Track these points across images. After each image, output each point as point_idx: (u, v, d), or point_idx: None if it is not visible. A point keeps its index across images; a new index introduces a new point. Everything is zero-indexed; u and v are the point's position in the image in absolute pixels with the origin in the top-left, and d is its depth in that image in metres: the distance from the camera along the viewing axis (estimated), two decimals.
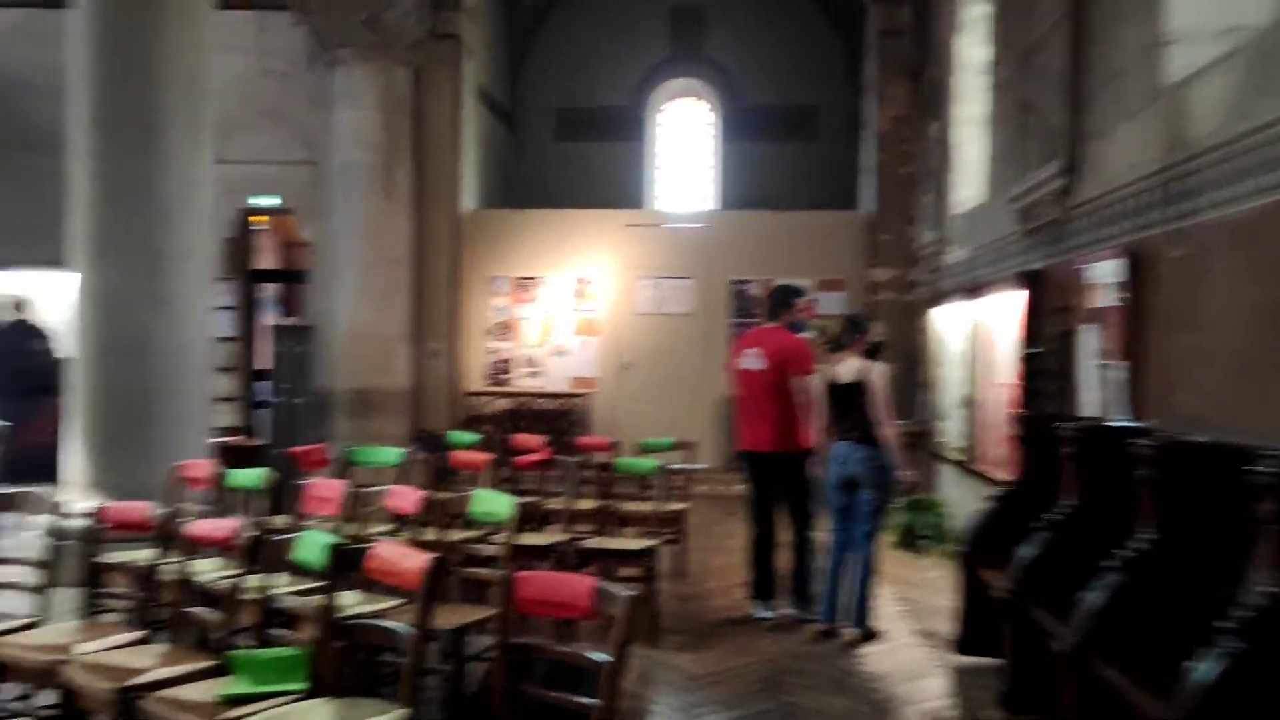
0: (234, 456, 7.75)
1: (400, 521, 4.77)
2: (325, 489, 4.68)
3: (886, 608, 6.19)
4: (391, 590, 3.41)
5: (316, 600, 3.12)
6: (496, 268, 12.25)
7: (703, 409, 11.85)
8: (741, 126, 15.58)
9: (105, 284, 6.69)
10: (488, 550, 4.25)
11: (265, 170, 11.54)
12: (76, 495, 6.75)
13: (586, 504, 6.33)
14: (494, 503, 4.22)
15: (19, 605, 4.00)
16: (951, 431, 8.79)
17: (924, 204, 10.69)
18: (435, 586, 2.87)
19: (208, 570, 4.19)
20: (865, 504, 5.64)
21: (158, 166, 6.72)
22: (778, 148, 15.30)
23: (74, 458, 6.83)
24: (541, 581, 2.81)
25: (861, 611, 5.63)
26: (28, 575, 4.05)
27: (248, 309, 12.05)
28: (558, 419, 11.95)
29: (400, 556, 2.97)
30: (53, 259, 11.81)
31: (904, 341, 10.87)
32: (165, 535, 3.85)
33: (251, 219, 12.32)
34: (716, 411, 11.90)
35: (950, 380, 8.90)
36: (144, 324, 6.69)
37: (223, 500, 5.27)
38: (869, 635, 5.62)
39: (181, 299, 6.82)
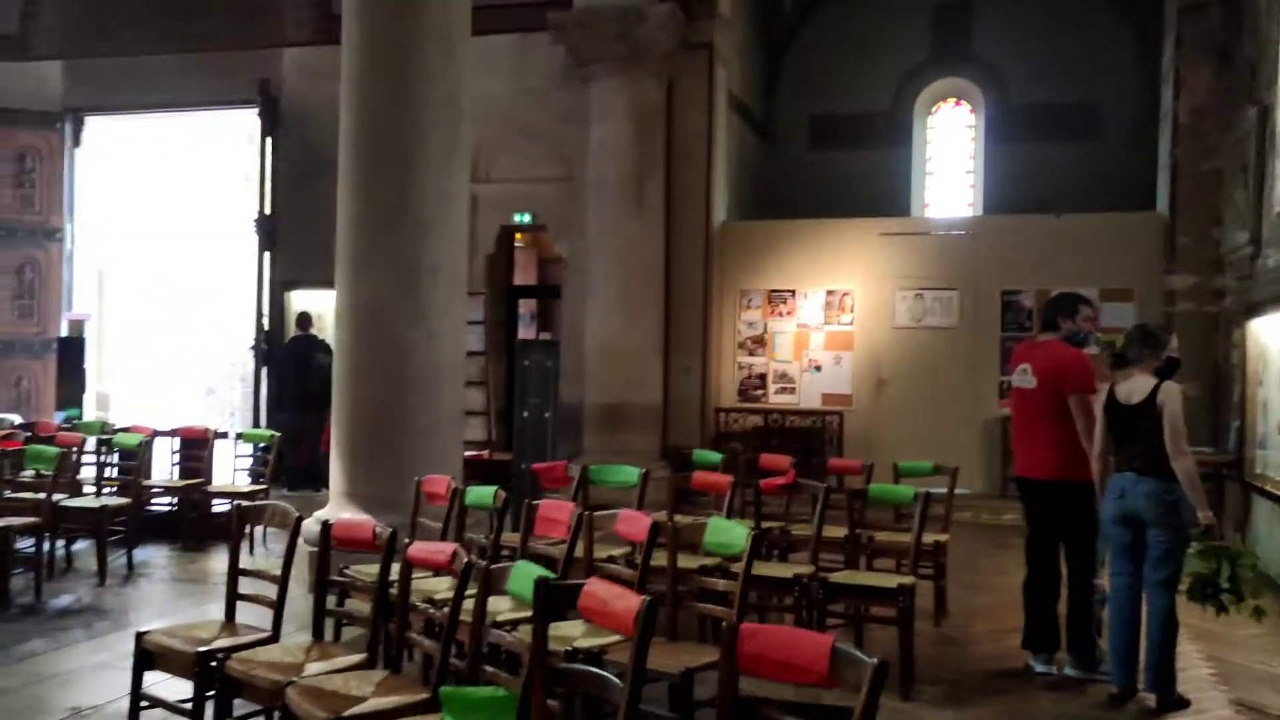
0: (482, 471, 7.81)
1: (632, 547, 4.50)
2: (556, 510, 4.48)
3: (1192, 670, 5.31)
4: None
5: (529, 636, 2.86)
6: (749, 281, 11.92)
7: (968, 430, 11.01)
8: (1010, 127, 14.48)
9: (363, 299, 6.87)
10: (721, 584, 3.89)
11: (524, 188, 11.77)
12: (337, 506, 6.97)
13: (835, 532, 5.85)
14: (730, 533, 3.86)
15: (265, 618, 4.00)
16: (1275, 462, 7.61)
17: (1234, 202, 9.42)
18: (649, 633, 2.53)
19: (433, 591, 4.07)
20: (1156, 546, 4.82)
21: (414, 184, 6.83)
22: (1051, 148, 14.06)
23: (334, 469, 7.05)
24: (771, 637, 2.40)
25: (1162, 674, 4.81)
26: (273, 588, 4.04)
27: (508, 323, 12.35)
28: (810, 438, 11.45)
29: (614, 597, 2.66)
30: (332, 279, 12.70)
31: (1206, 358, 9.63)
32: (388, 554, 3.73)
33: (517, 235, 12.63)
34: (985, 433, 11.02)
35: (1275, 403, 7.70)
36: (399, 338, 6.81)
37: (461, 516, 5.19)
38: (1174, 703, 4.78)
39: (436, 313, 6.90)
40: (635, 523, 4.09)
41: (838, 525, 5.91)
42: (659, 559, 4.07)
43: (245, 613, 4.15)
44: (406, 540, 3.71)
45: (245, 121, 17.62)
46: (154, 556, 7.81)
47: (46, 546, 7.00)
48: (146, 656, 3.83)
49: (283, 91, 12.47)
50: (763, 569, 5.00)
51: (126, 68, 12.87)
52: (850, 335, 11.60)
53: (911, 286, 11.40)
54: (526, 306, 14.07)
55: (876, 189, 14.43)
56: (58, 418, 10.49)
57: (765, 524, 5.96)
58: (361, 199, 6.89)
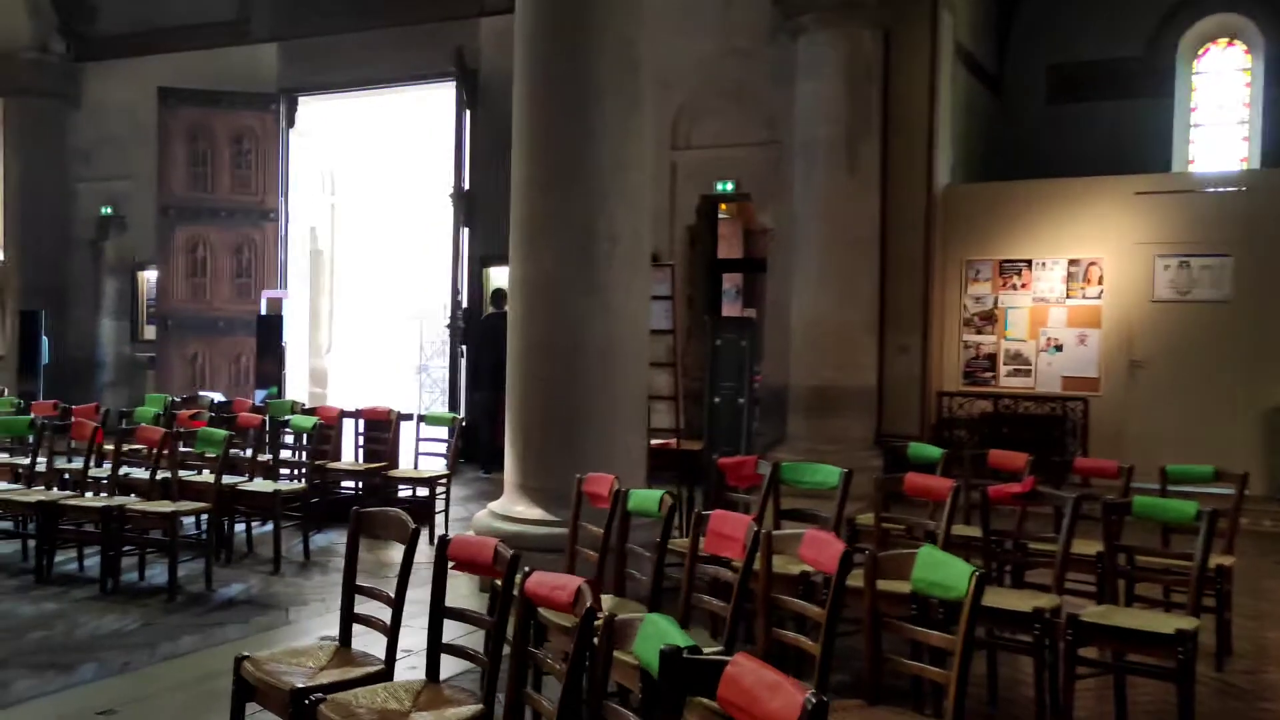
0: (668, 461, 7.08)
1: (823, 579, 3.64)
2: (730, 524, 3.66)
3: None
4: None
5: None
6: (976, 250, 10.64)
7: (1243, 421, 9.40)
8: None
9: (535, 271, 6.27)
10: (935, 638, 2.97)
11: (726, 154, 10.96)
12: (510, 499, 6.42)
13: (1084, 548, 4.77)
14: (946, 570, 2.93)
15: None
16: None
17: None
18: None
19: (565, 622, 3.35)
20: None
21: (588, 145, 6.16)
22: None
23: (508, 456, 6.50)
24: None
25: None
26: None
27: (710, 299, 11.59)
28: (1048, 427, 10.10)
29: (765, 690, 1.83)
30: None
31: None
32: (507, 586, 3.03)
33: (721, 205, 11.85)
34: (1266, 425, 9.37)
35: None
36: (572, 313, 6.18)
37: (624, 522, 4.46)
38: None
39: (612, 287, 6.21)
40: (823, 548, 3.22)
41: (1088, 541, 4.82)
42: (855, 579, 3.19)
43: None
44: (526, 569, 2.98)
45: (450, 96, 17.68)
46: (333, 543, 7.54)
47: (223, 531, 6.83)
48: (246, 686, 3.30)
49: (480, 62, 12.15)
50: (992, 597, 4.01)
51: (335, 46, 12.93)
52: (1097, 310, 10.14)
53: (1174, 253, 9.82)
54: (731, 281, 13.27)
55: (1127, 144, 12.65)
56: (258, 396, 10.56)
57: (994, 537, 4.92)
58: (534, 163, 6.27)
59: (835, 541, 3.21)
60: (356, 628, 3.54)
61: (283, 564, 6.72)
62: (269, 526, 7.15)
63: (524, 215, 6.32)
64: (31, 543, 6.48)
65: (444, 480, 7.89)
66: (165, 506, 5.97)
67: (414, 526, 3.43)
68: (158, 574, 6.27)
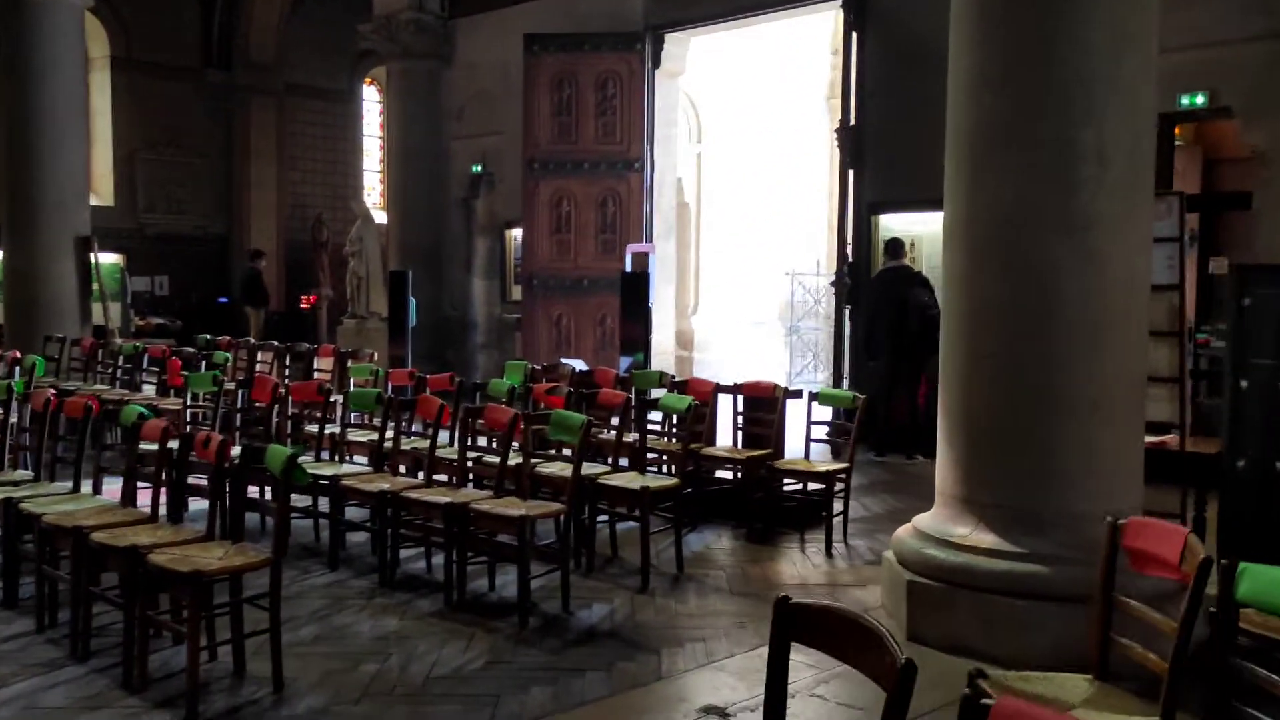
0: (1164, 468, 5.08)
1: None
2: None
3: None
4: None
5: None
6: None
7: None
8: None
9: (985, 205, 4.50)
10: None
11: (1197, 56, 8.43)
12: (944, 515, 4.73)
13: None
14: None
15: None
16: None
17: None
18: None
19: None
20: None
21: (1068, 13, 4.29)
22: None
23: (941, 457, 4.81)
24: None
25: None
26: None
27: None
28: None
29: None
30: (940, 198, 10.38)
31: None
32: None
33: (1175, 130, 9.33)
34: None
35: None
36: (1046, 265, 4.37)
37: (1192, 608, 2.65)
38: None
39: (1103, 227, 4.34)
40: None
41: None
42: None
43: None
44: None
45: (826, 29, 15.93)
46: (711, 548, 6.21)
47: (581, 530, 5.67)
48: None
49: None
50: None
51: None
52: None
53: None
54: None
55: None
56: (622, 364, 9.50)
57: None
58: (984, 47, 4.48)
59: None
60: None
61: (651, 577, 5.45)
62: (633, 523, 5.94)
63: (968, 126, 4.56)
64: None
65: (843, 475, 6.32)
66: (514, 508, 4.85)
67: (903, 660, 1.83)
68: (509, 582, 5.21)
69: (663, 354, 11.98)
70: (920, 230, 10.04)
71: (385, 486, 5.38)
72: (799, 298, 15.75)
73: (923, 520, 4.79)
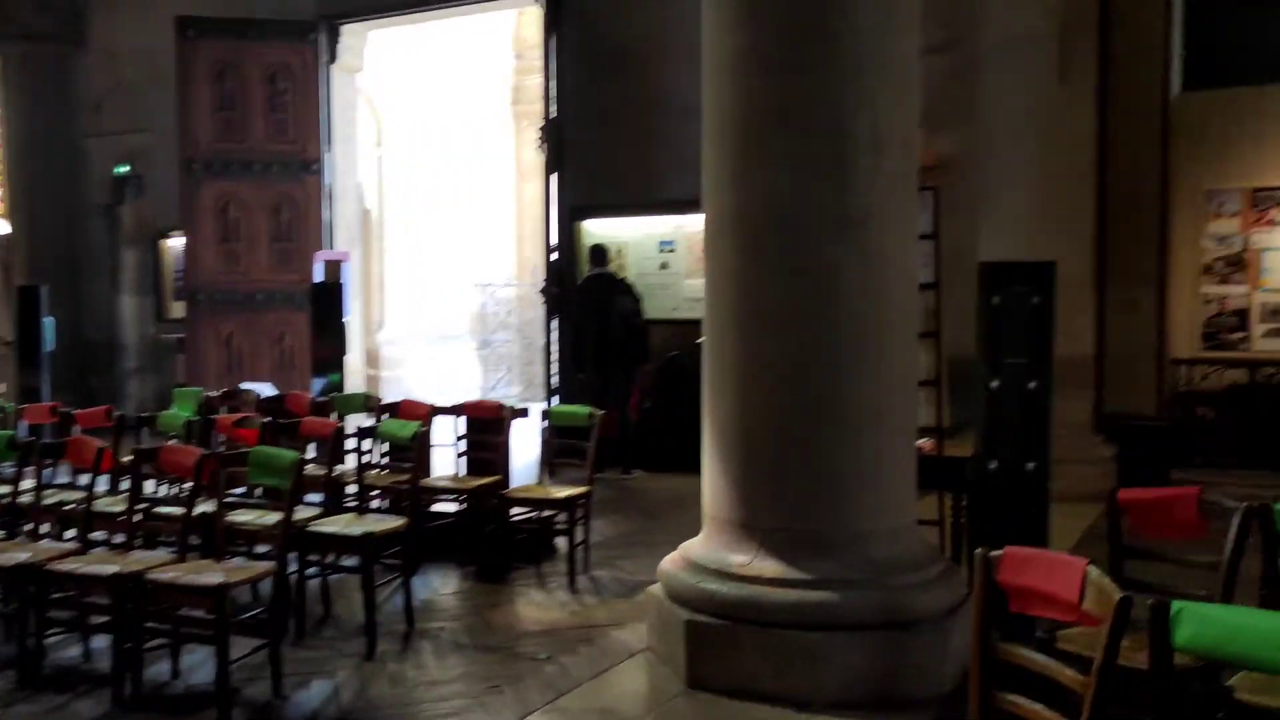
0: (926, 473, 4.91)
1: None
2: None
3: None
4: None
5: None
6: (1217, 177, 8.34)
7: None
8: None
9: (753, 200, 4.09)
10: None
11: None
12: (717, 541, 4.28)
13: None
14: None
15: None
16: None
17: None
18: None
19: None
20: None
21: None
22: None
23: (707, 477, 4.36)
24: None
25: None
26: None
27: None
28: None
29: None
30: (646, 202, 10.07)
31: None
32: None
33: None
34: None
35: None
36: (818, 261, 4.04)
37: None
38: None
39: (878, 223, 4.05)
40: None
41: None
42: None
43: None
44: None
45: (509, 30, 15.46)
46: (440, 594, 5.43)
47: (289, 591, 4.72)
48: None
49: None
50: None
51: None
52: None
53: None
54: None
55: None
56: (315, 386, 8.45)
57: None
58: (753, 25, 4.08)
59: None
60: None
61: (379, 638, 4.60)
62: (349, 570, 5.07)
63: (735, 113, 4.14)
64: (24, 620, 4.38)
65: (583, 500, 5.75)
66: (210, 573, 3.86)
67: None
68: (198, 665, 4.20)
69: (352, 374, 10.92)
70: (625, 236, 9.73)
71: (24, 556, 4.18)
72: (490, 309, 15.13)
73: (694, 549, 4.30)
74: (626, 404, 9.05)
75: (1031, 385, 4.84)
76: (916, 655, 3.92)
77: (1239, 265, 8.27)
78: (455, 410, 6.20)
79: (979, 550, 2.46)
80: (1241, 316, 8.26)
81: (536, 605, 5.29)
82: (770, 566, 4.00)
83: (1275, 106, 8.16)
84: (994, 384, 4.88)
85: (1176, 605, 2.00)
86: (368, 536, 4.55)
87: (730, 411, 4.17)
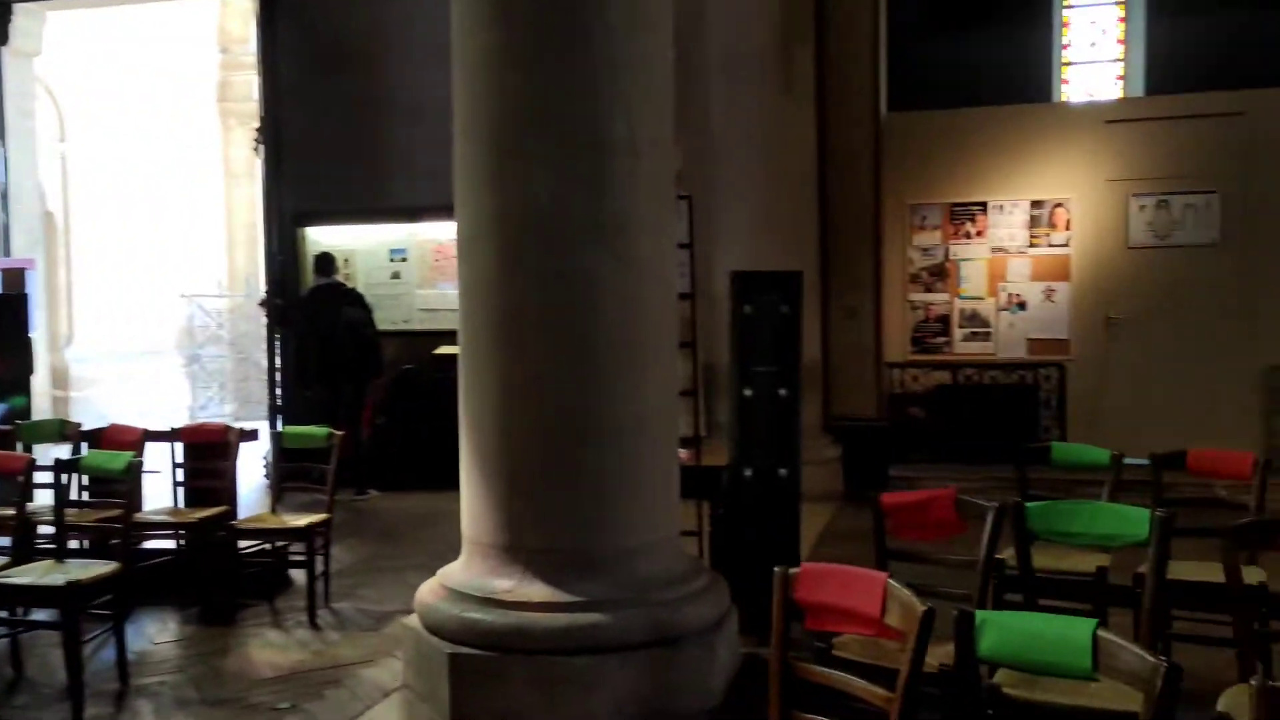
0: (687, 483, 4.89)
1: None
2: None
3: None
4: None
5: None
6: (920, 191, 8.98)
7: (1236, 385, 8.24)
8: None
9: (516, 205, 3.89)
10: None
11: None
12: (478, 568, 4.04)
13: None
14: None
15: None
16: None
17: None
18: None
19: None
20: None
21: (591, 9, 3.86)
22: None
23: (466, 499, 4.12)
24: None
25: None
26: None
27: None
28: (1019, 401, 8.62)
29: None
30: (375, 209, 9.54)
31: None
32: None
33: None
34: (1264, 384, 8.25)
35: None
36: (576, 270, 3.87)
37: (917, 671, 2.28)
38: None
39: (638, 227, 3.96)
40: None
41: None
42: None
43: None
44: None
45: (212, 15, 14.42)
46: (157, 643, 4.84)
47: None
48: None
49: None
50: None
51: None
52: (1065, 260, 8.71)
53: (1151, 191, 8.52)
54: None
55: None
56: None
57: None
58: (507, 25, 3.88)
59: None
60: None
61: (85, 701, 4.01)
62: (43, 626, 4.42)
63: (490, 112, 3.91)
64: None
65: (323, 528, 5.31)
66: None
67: None
68: None
69: (37, 395, 9.72)
70: (353, 244, 9.24)
71: None
72: (199, 322, 13.99)
73: (454, 576, 4.03)
74: (359, 421, 8.57)
75: (782, 392, 4.97)
76: (685, 671, 3.84)
77: (940, 275, 8.94)
78: (172, 435, 5.58)
79: (777, 569, 2.40)
80: (944, 322, 8.93)
81: (273, 647, 4.82)
82: (538, 590, 3.80)
83: (969, 128, 8.89)
84: (746, 392, 4.97)
85: (980, 616, 2.01)
86: (73, 586, 3.96)
87: (490, 427, 3.94)
